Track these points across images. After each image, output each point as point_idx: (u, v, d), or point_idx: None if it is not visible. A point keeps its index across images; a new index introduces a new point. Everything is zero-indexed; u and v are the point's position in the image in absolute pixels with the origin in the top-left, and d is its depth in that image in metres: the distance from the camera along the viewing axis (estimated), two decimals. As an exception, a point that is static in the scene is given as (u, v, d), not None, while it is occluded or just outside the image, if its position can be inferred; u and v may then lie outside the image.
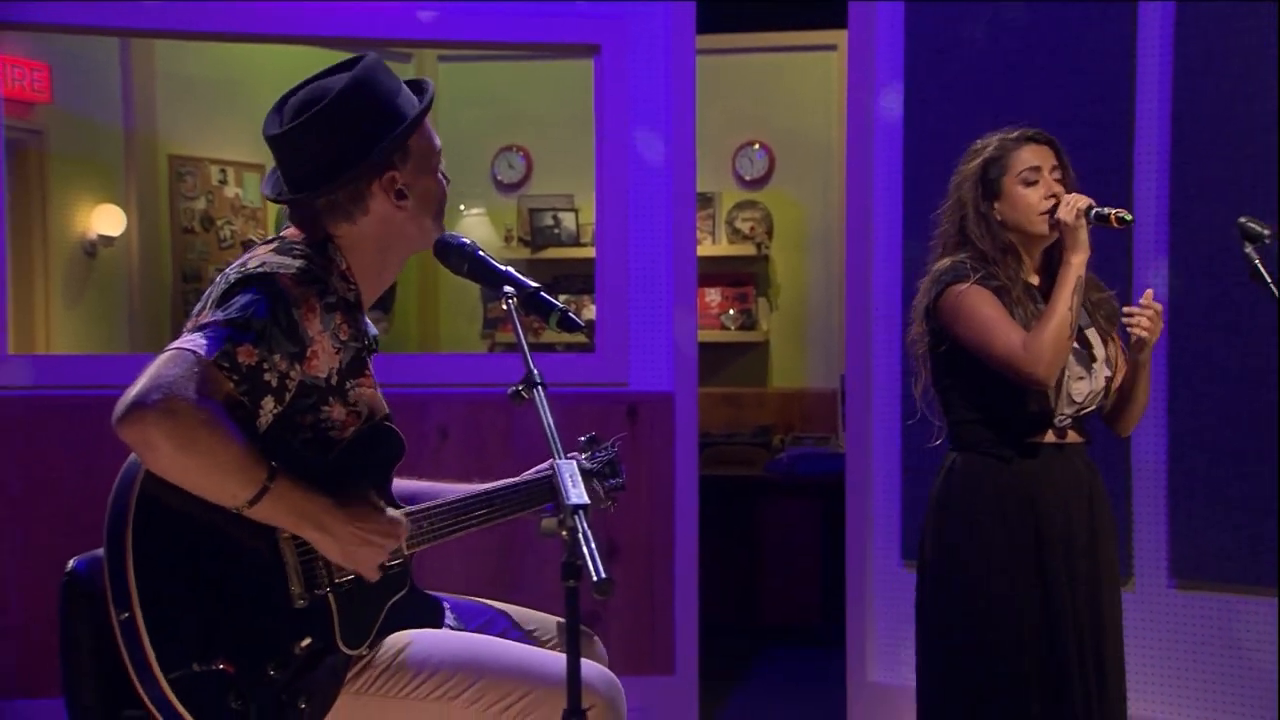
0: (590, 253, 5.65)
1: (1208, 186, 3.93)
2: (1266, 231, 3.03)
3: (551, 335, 6.29)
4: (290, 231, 2.33)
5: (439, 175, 2.38)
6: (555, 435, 2.02)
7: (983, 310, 2.94)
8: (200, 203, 6.58)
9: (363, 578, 2.20)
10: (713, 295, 6.77)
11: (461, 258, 2.32)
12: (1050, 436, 3.01)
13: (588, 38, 4.60)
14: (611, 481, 2.69)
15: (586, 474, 2.61)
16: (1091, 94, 4.08)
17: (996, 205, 3.02)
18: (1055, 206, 2.97)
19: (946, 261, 3.06)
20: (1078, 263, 2.92)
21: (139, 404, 1.98)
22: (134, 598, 2.03)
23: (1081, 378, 2.99)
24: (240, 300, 2.13)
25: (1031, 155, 3.02)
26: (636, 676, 4.30)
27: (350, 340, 2.26)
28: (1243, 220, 3.05)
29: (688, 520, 4.60)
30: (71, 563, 2.21)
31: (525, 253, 6.84)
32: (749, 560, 6.06)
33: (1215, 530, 3.92)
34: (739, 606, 6.00)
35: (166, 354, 2.06)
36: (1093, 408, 3.06)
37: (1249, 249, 3.02)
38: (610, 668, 2.45)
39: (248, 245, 6.54)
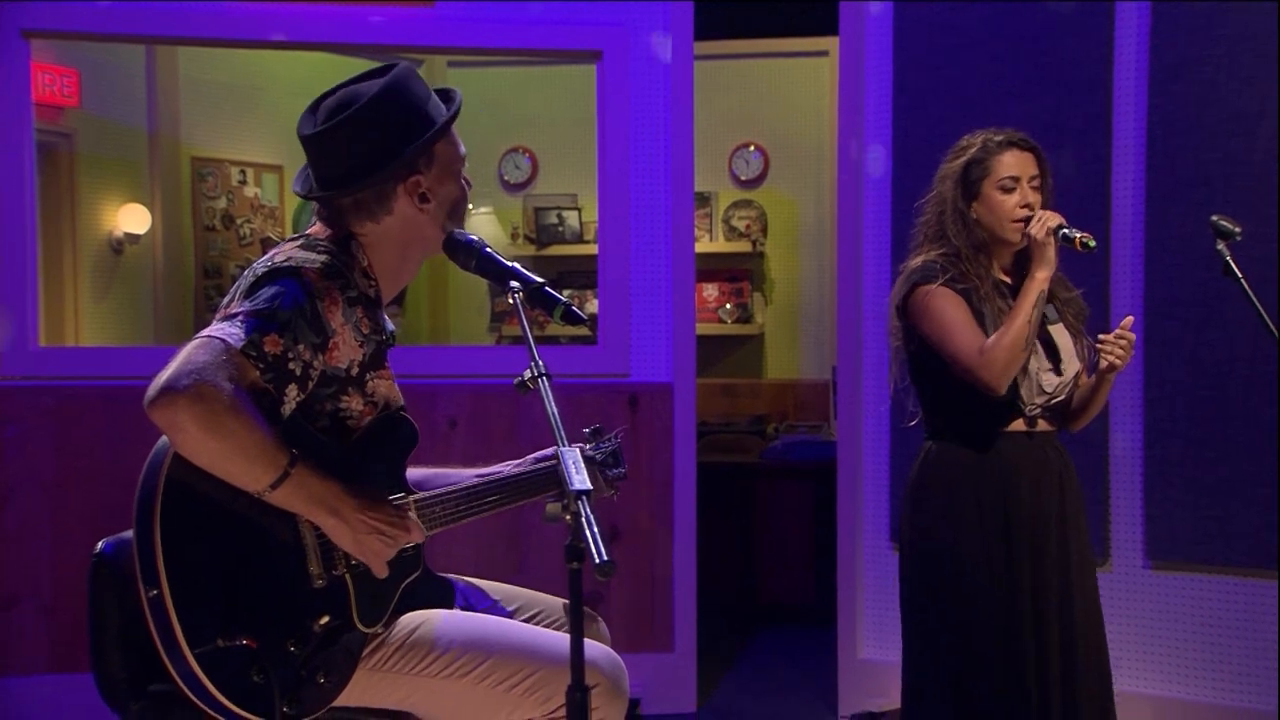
0: (593, 249, 5.64)
1: (1182, 186, 3.94)
2: (1237, 229, 3.03)
3: (556, 328, 6.33)
4: (316, 229, 2.34)
5: (462, 181, 2.39)
6: (559, 424, 2.03)
7: (945, 313, 2.94)
8: (221, 202, 6.59)
9: (375, 573, 2.20)
10: (710, 290, 6.77)
11: (470, 254, 2.33)
12: (1021, 425, 3.00)
13: (590, 44, 4.60)
14: (614, 471, 2.69)
15: (590, 461, 2.61)
16: (1071, 98, 4.08)
17: (974, 205, 3.01)
18: (1029, 219, 2.95)
19: (919, 260, 3.05)
20: (1042, 278, 2.90)
21: (170, 388, 1.99)
22: (162, 575, 2.04)
23: (1050, 369, 2.99)
24: (267, 292, 2.14)
25: (1013, 161, 2.99)
26: (637, 654, 4.32)
27: (371, 334, 2.27)
28: (1215, 218, 3.05)
29: (686, 505, 4.61)
30: (100, 544, 2.22)
31: (531, 250, 6.83)
32: (745, 543, 6.06)
33: (1188, 514, 3.93)
34: (735, 587, 6.01)
35: (197, 341, 2.07)
36: (1062, 397, 3.05)
37: (1221, 246, 3.02)
38: (612, 646, 2.45)
39: (266, 243, 6.58)
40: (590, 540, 1.80)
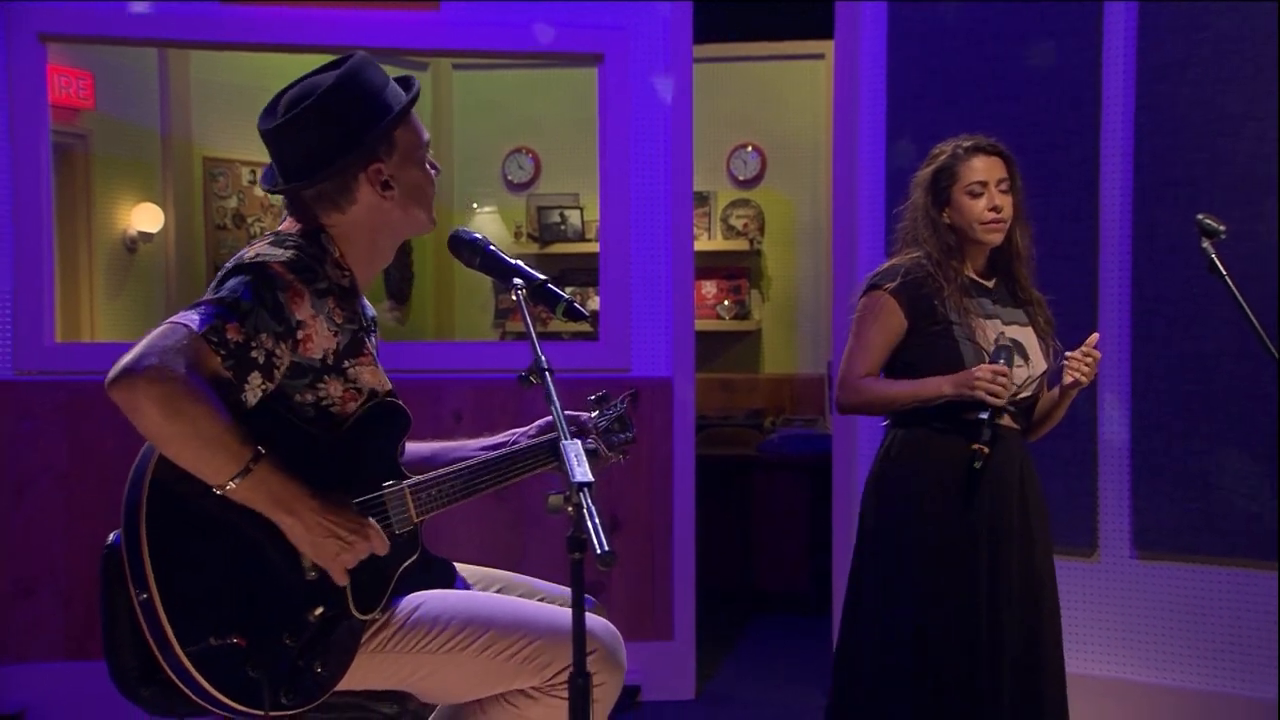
0: (595, 248, 5.64)
1: (1168, 186, 3.93)
2: (1222, 228, 3.03)
3: (558, 324, 6.33)
4: (286, 225, 2.32)
5: (426, 167, 2.35)
6: (563, 417, 2.02)
7: (867, 327, 3.04)
8: (232, 201, 6.58)
9: (331, 574, 2.14)
10: (709, 287, 6.77)
11: (474, 252, 2.32)
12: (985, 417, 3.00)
13: (592, 47, 4.59)
14: (621, 436, 2.62)
15: (597, 431, 2.57)
16: (1061, 99, 4.07)
17: (946, 211, 3.05)
18: (996, 223, 3.00)
19: (888, 264, 3.10)
20: (947, 392, 2.91)
21: (129, 369, 1.98)
22: (150, 579, 2.02)
23: (1020, 366, 2.99)
24: (231, 283, 2.14)
25: (981, 166, 3.01)
26: (637, 642, 4.31)
27: (346, 323, 2.24)
28: (1200, 217, 3.04)
29: (685, 496, 4.61)
30: (112, 536, 2.20)
31: (534, 248, 6.83)
32: (742, 533, 6.06)
33: (1173, 506, 3.93)
34: (733, 576, 6.01)
35: (161, 327, 2.06)
36: (1029, 394, 3.06)
37: (1206, 244, 3.01)
38: (613, 635, 2.44)
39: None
40: (592, 531, 1.80)
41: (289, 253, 2.20)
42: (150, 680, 2.12)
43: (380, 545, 2.18)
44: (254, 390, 2.12)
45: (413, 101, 2.30)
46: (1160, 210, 3.94)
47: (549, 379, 2.08)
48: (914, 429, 3.04)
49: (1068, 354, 2.98)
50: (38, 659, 4.27)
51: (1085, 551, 4.05)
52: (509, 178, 7.06)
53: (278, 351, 2.14)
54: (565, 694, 2.02)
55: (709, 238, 6.81)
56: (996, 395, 2.86)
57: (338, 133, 2.23)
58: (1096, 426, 4.04)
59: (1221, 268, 2.97)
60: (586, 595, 1.95)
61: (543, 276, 2.26)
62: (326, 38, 4.46)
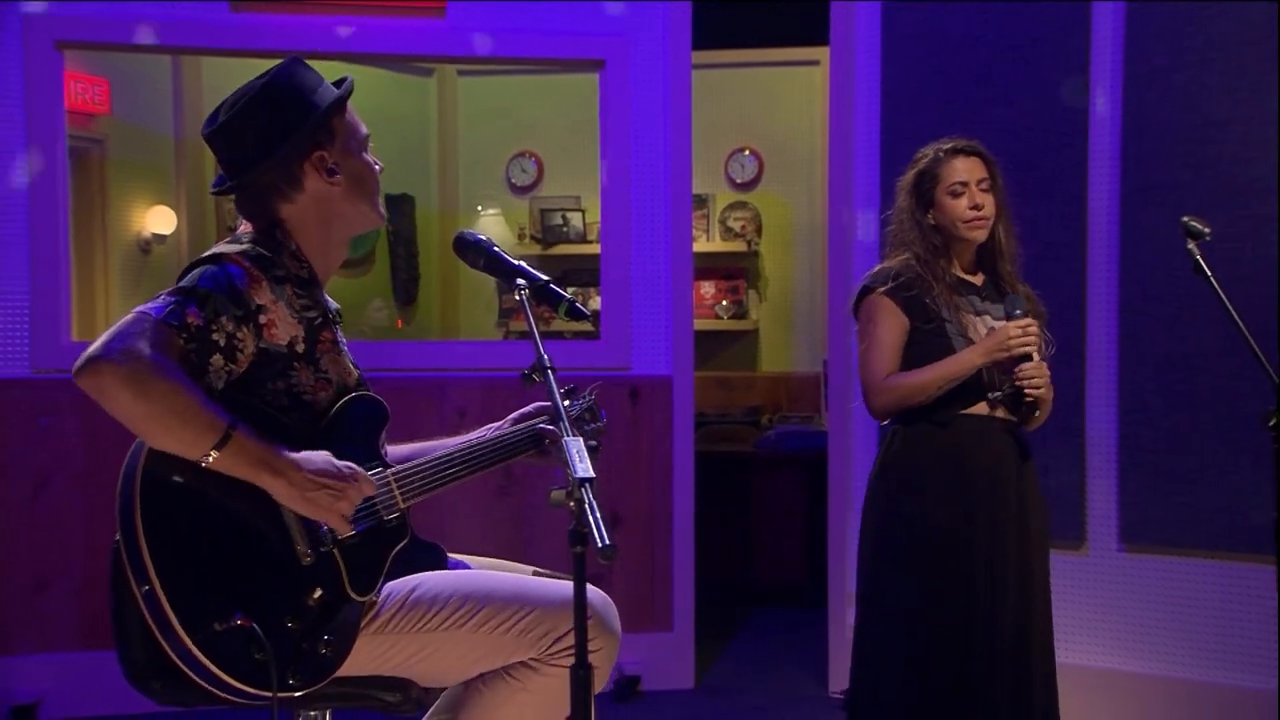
0: (596, 249, 5.64)
1: (1155, 189, 3.93)
2: (1207, 230, 3.03)
3: (560, 324, 6.33)
4: (242, 227, 2.36)
5: (367, 157, 2.38)
6: (565, 414, 2.03)
7: (874, 329, 3.04)
8: (243, 204, 6.58)
9: (337, 530, 2.16)
10: (707, 287, 6.77)
11: (478, 253, 2.33)
12: (983, 409, 3.02)
13: (593, 54, 4.59)
14: (591, 425, 2.65)
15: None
16: (1051, 103, 4.07)
17: (931, 212, 3.07)
18: (979, 220, 3.02)
19: (879, 266, 3.12)
20: (979, 361, 2.93)
21: (95, 356, 2.01)
22: (151, 572, 2.02)
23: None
24: (190, 275, 2.18)
25: (961, 167, 3.04)
26: (638, 634, 4.32)
27: (306, 311, 2.27)
28: (1186, 219, 3.04)
29: (684, 492, 4.61)
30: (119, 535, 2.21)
31: (536, 249, 6.83)
32: (741, 528, 6.06)
33: (1160, 499, 3.93)
34: (732, 570, 6.01)
35: (126, 316, 2.09)
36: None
37: (1191, 245, 3.02)
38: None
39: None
40: (593, 525, 1.80)
41: (245, 246, 2.25)
42: (161, 672, 2.12)
43: (369, 486, 2.19)
44: (218, 374, 2.14)
45: (348, 92, 2.35)
46: (1146, 213, 3.94)
47: (551, 377, 2.09)
48: (916, 424, 3.04)
49: (1018, 368, 2.94)
50: (54, 649, 4.27)
51: (1074, 544, 4.05)
52: (512, 181, 7.06)
53: (239, 335, 2.15)
54: (565, 662, 2.03)
55: (707, 239, 6.81)
56: (1031, 344, 2.89)
57: (279, 119, 2.27)
58: (1084, 422, 4.05)
59: (1206, 269, 2.97)
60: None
61: (545, 277, 2.26)
62: (334, 45, 4.47)
